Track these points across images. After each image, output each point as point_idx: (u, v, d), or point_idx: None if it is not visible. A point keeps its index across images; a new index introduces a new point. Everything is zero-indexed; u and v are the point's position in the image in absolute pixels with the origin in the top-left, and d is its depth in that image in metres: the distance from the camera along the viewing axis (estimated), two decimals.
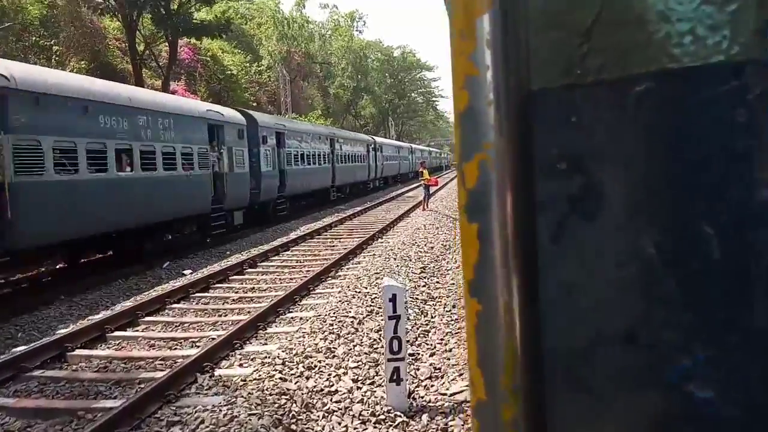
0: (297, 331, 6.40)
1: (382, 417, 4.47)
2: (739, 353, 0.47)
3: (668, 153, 0.50)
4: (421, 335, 6.47)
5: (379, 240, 13.64)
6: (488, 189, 0.57)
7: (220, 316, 7.58)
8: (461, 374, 5.28)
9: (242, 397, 4.62)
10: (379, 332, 6.05)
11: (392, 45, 74.81)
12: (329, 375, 5.16)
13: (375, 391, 4.88)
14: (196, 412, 4.43)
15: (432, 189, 22.55)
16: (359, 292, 8.03)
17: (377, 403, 4.65)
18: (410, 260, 10.53)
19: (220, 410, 4.38)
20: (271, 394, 4.69)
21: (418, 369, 5.46)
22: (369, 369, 5.35)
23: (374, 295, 7.69)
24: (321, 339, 6.05)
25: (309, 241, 13.99)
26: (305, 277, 9.17)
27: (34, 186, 8.30)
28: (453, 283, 8.88)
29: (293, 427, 4.27)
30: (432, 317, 7.17)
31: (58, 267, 11.11)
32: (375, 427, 4.34)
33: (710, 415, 0.49)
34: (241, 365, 5.61)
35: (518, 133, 0.56)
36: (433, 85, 74.29)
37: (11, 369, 5.42)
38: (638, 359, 0.52)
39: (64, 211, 8.83)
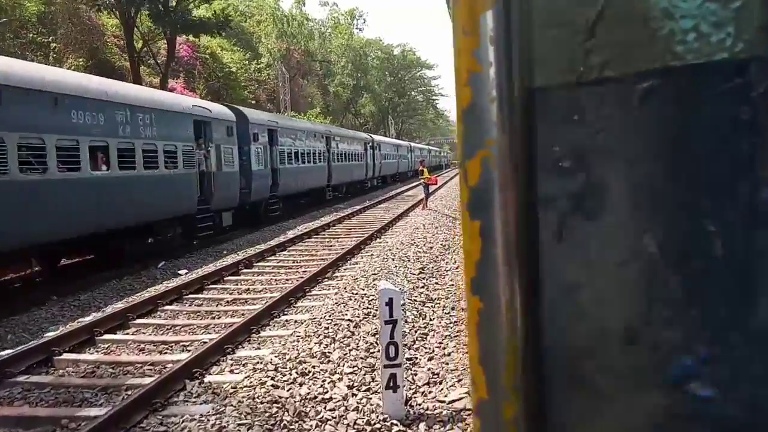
0: (291, 334, 6.22)
1: (378, 426, 4.29)
2: (741, 352, 0.47)
3: (671, 151, 0.49)
4: (419, 338, 6.30)
5: (378, 240, 13.48)
6: (491, 186, 0.56)
7: (213, 318, 7.40)
8: (460, 380, 5.11)
9: (232, 405, 4.45)
10: (376, 336, 5.88)
11: (392, 43, 75.22)
12: (323, 381, 4.98)
13: (371, 398, 4.70)
14: (183, 421, 4.26)
15: (432, 188, 22.38)
16: (356, 294, 7.86)
17: (373, 411, 4.48)
18: (409, 261, 10.36)
19: (208, 420, 4.20)
20: (262, 402, 4.51)
21: (415, 374, 5.28)
22: (365, 375, 5.17)
23: (371, 297, 7.51)
24: (316, 343, 5.87)
25: (306, 241, 13.83)
26: (301, 278, 8.99)
27: None
28: (452, 284, 8.71)
29: None
30: (430, 320, 7.00)
31: (36, 269, 10.69)
32: None
33: (712, 415, 0.48)
34: (232, 371, 5.42)
35: (521, 130, 0.56)
36: (433, 83, 74.43)
37: None
38: (640, 358, 0.51)
39: (31, 213, 8.20)
